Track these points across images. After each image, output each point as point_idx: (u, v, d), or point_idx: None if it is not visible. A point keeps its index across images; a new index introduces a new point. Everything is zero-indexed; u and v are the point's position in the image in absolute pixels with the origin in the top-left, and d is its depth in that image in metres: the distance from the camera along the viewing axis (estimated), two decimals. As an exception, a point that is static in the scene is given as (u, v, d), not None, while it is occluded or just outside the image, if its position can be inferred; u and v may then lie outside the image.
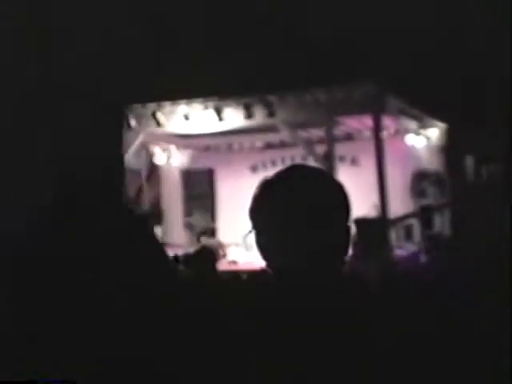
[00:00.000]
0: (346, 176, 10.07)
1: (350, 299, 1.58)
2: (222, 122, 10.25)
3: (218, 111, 10.16)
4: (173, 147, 13.03)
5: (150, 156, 13.00)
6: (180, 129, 10.81)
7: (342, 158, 10.95)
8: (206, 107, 10.19)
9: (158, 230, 13.56)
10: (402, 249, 10.48)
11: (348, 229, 1.62)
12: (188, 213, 13.09)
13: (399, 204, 10.86)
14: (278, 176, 1.65)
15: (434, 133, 12.14)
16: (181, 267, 6.46)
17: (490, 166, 13.22)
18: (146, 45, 11.72)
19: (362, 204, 9.63)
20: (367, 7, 12.44)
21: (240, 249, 10.33)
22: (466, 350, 3.39)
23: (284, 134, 10.74)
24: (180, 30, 12.06)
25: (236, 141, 12.70)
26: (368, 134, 10.69)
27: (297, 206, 1.57)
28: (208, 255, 5.47)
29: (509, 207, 9.57)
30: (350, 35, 11.93)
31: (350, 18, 12.42)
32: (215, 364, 1.61)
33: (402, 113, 10.72)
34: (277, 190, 1.62)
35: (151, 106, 10.49)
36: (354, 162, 11.71)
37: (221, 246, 10.72)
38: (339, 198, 1.63)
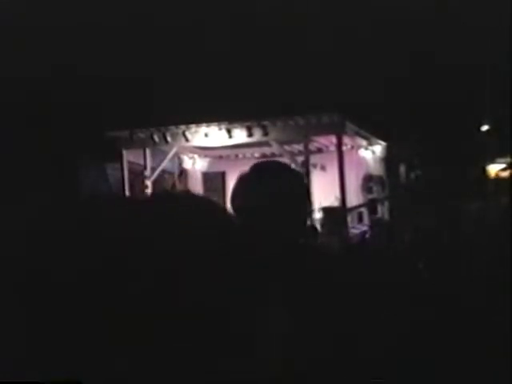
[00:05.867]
0: (317, 178, 10.45)
1: (322, 260, 1.47)
2: (231, 138, 10.17)
3: (229, 131, 10.10)
4: (196, 156, 12.97)
5: (181, 162, 12.97)
6: (202, 143, 10.66)
7: (314, 165, 10.84)
8: (220, 128, 10.14)
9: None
10: (355, 228, 10.46)
11: (305, 205, 1.42)
12: (206, 202, 12.99)
13: (354, 197, 10.84)
14: (252, 171, 1.44)
15: (378, 148, 12.07)
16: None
17: (415, 171, 13.39)
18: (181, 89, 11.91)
19: (328, 197, 10.00)
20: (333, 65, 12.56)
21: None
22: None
23: (274, 148, 10.55)
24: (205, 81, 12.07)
25: (241, 152, 12.53)
26: (333, 148, 10.55)
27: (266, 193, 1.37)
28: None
29: (428, 199, 9.75)
30: (321, 82, 12.04)
31: (324, 71, 12.53)
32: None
33: (356, 134, 10.66)
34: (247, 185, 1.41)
35: (182, 127, 10.36)
36: (323, 168, 11.54)
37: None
38: (296, 183, 1.41)
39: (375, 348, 1.36)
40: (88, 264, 0.81)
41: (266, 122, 9.86)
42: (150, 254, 0.83)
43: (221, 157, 12.98)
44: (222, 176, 13.22)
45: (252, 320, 0.92)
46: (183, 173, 13.25)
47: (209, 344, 0.84)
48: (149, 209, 0.94)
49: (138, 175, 11.17)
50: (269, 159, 12.28)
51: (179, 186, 13.19)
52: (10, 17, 10.49)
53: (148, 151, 11.00)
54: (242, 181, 1.43)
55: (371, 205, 11.21)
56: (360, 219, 11.16)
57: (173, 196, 1.02)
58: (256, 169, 1.44)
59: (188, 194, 1.04)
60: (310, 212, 1.28)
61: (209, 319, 0.84)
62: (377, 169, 12.05)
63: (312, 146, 10.96)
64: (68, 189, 9.67)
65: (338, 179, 9.41)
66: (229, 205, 1.42)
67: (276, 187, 1.37)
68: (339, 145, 9.66)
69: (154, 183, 11.12)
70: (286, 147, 10.50)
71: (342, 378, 1.29)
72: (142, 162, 11.00)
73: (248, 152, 12.65)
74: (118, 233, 0.87)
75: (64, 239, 0.85)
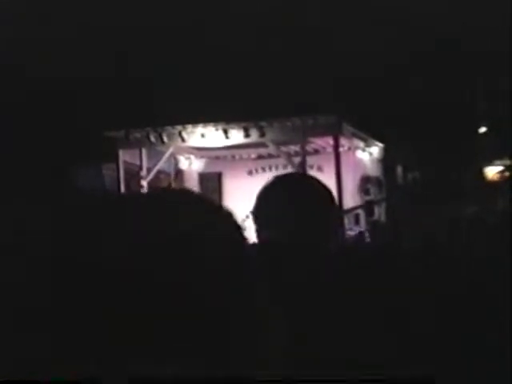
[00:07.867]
0: (314, 179, 10.46)
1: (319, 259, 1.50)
2: (228, 139, 10.20)
3: (225, 132, 10.10)
4: (193, 156, 12.89)
5: (177, 163, 12.90)
6: (198, 143, 10.70)
7: (311, 166, 10.78)
8: (217, 129, 10.16)
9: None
10: (352, 230, 10.45)
11: (328, 216, 1.44)
12: (203, 203, 12.91)
13: (351, 199, 10.89)
14: (276, 181, 1.48)
15: (375, 150, 12.12)
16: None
17: (412, 173, 13.41)
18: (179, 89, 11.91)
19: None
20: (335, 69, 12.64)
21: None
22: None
23: (271, 149, 10.65)
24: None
25: (237, 153, 12.52)
26: (330, 149, 10.60)
27: (288, 204, 1.41)
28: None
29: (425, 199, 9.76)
30: (319, 84, 12.07)
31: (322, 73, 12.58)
32: None
33: (353, 135, 10.71)
34: (278, 192, 1.43)
35: (178, 127, 10.39)
36: (320, 169, 11.33)
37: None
38: (323, 196, 1.43)
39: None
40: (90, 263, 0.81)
41: (262, 123, 9.89)
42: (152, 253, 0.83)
43: (217, 157, 12.99)
44: (219, 177, 13.20)
45: (252, 319, 0.92)
46: (179, 173, 13.24)
47: (209, 343, 0.84)
48: (147, 205, 0.95)
49: (133, 176, 11.15)
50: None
51: (175, 187, 13.18)
52: (9, 16, 10.47)
53: (144, 151, 10.98)
54: (268, 191, 1.43)
55: (368, 207, 11.25)
56: (357, 221, 11.18)
57: (172, 193, 1.02)
58: (283, 181, 1.48)
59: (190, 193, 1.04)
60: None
61: (208, 318, 0.85)
62: (374, 170, 12.11)
63: (309, 147, 11.01)
64: (64, 189, 9.64)
65: (334, 181, 9.43)
66: (251, 211, 1.45)
67: (304, 203, 1.40)
68: (336, 146, 9.72)
69: (150, 184, 11.10)
70: (283, 148, 10.56)
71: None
72: (137, 163, 10.97)
73: (245, 153, 12.68)
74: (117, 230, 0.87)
75: (64, 238, 0.85)
